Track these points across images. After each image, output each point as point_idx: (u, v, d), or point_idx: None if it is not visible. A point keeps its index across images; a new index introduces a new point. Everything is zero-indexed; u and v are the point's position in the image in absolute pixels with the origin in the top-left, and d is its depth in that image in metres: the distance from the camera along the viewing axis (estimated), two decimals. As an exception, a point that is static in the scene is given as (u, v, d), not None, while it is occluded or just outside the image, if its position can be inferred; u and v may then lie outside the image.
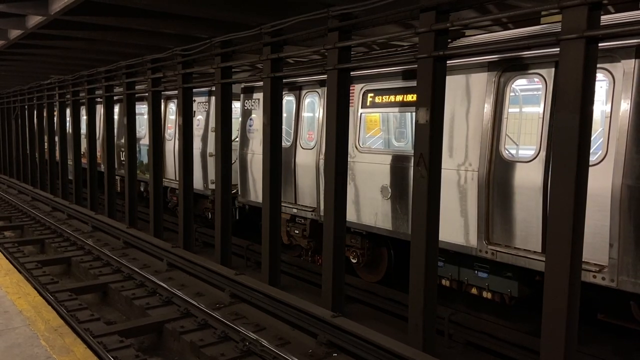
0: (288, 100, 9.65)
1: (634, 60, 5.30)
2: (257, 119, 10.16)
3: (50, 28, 8.96)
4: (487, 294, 6.95)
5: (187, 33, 9.30)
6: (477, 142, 6.58)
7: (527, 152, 6.48)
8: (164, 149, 12.99)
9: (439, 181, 6.09)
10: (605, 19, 5.37)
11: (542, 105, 6.06)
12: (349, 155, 7.51)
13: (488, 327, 6.93)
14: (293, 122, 9.63)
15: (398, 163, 7.62)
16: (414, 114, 6.16)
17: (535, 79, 6.33)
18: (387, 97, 7.90)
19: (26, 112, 21.59)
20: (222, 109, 9.54)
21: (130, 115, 13.05)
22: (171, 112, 13.58)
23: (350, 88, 7.54)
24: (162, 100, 12.77)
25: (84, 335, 6.32)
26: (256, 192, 10.21)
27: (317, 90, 9.16)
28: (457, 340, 7.02)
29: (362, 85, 8.19)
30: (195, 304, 7.51)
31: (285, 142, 9.34)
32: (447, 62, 6.05)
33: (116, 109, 15.27)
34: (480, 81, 6.57)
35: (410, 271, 6.18)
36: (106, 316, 8.07)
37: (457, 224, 6.78)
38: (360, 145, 8.24)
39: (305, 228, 9.39)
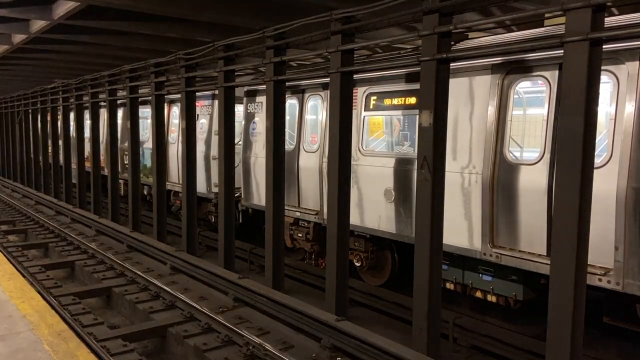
0: (291, 103, 9.64)
1: (638, 62, 5.27)
2: (260, 122, 10.16)
3: (54, 33, 9.00)
4: (491, 297, 6.91)
5: (190, 37, 9.33)
6: (481, 144, 6.56)
7: (531, 154, 6.45)
8: (167, 153, 13.00)
9: (443, 184, 6.06)
10: (609, 21, 5.34)
11: (546, 107, 6.04)
12: (352, 158, 7.50)
13: (493, 330, 6.90)
14: (296, 125, 9.63)
15: (401, 166, 7.60)
16: (417, 116, 6.15)
17: (539, 82, 6.30)
18: (391, 99, 7.89)
19: (30, 116, 21.66)
20: (225, 113, 9.54)
21: (133, 119, 13.07)
22: (174, 115, 13.60)
23: (354, 91, 7.53)
24: (166, 104, 12.79)
25: (87, 339, 6.32)
26: (259, 195, 10.20)
27: (320, 93, 9.15)
28: (462, 344, 6.99)
29: (365, 88, 8.17)
30: (199, 307, 7.50)
31: (289, 146, 9.33)
32: (451, 64, 6.04)
33: (120, 113, 15.30)
34: (484, 84, 6.55)
35: (414, 274, 6.16)
36: (110, 320, 8.07)
37: (461, 227, 6.75)
38: (364, 148, 8.23)
39: (308, 231, 9.37)
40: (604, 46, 4.72)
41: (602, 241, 5.42)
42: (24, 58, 12.29)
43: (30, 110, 21.57)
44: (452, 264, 7.23)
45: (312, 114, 9.60)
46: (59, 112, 18.29)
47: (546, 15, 5.60)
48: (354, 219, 7.88)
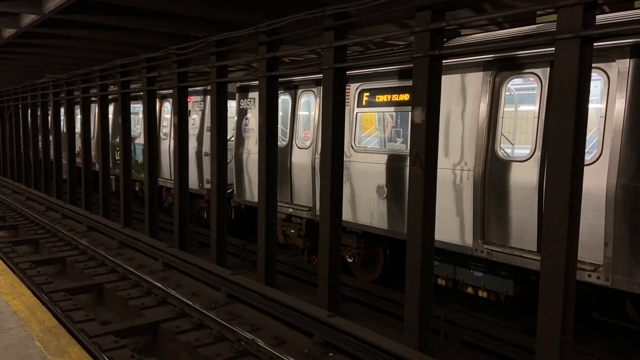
0: (284, 99, 9.63)
1: (628, 59, 5.31)
2: (253, 118, 10.14)
3: (45, 27, 8.91)
4: (482, 293, 6.96)
5: (182, 32, 9.27)
6: (473, 141, 6.59)
7: (522, 151, 6.49)
8: (159, 149, 12.94)
9: (435, 181, 6.09)
10: (601, 18, 5.38)
11: (537, 104, 6.07)
12: (344, 155, 7.51)
13: (484, 326, 6.94)
14: (289, 121, 9.62)
15: (394, 162, 7.63)
16: (409, 113, 6.16)
17: (531, 79, 6.34)
18: (383, 96, 7.90)
19: (20, 111, 21.47)
20: (217, 108, 9.51)
21: (125, 115, 13.00)
22: (166, 111, 13.54)
23: (346, 87, 7.54)
24: (157, 100, 12.72)
25: (78, 335, 6.30)
26: (252, 191, 10.19)
27: (312, 89, 9.15)
28: (453, 340, 7.03)
29: (358, 84, 8.18)
30: (191, 304, 7.49)
31: (281, 142, 9.33)
32: (443, 61, 6.05)
33: (111, 108, 15.20)
34: (476, 81, 6.58)
35: (406, 270, 6.18)
36: (101, 316, 8.05)
37: (452, 224, 6.79)
38: (356, 144, 8.24)
39: (301, 227, 9.38)
40: (595, 44, 4.75)
41: (591, 237, 5.47)
42: (13, 52, 12.17)
43: (20, 105, 21.39)
44: (443, 260, 7.27)
45: (304, 110, 9.59)
46: (49, 107, 18.14)
47: (538, 12, 5.64)
48: (346, 216, 7.90)
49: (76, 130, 16.48)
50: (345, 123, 7.38)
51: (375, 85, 7.96)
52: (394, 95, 7.74)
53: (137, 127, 14.76)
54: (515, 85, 6.76)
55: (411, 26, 5.99)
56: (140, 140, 13.82)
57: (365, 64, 7.70)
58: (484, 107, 6.49)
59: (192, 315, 7.26)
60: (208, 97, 11.72)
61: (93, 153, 15.78)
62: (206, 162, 11.84)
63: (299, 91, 9.45)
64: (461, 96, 6.75)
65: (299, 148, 9.33)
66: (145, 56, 11.28)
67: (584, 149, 4.81)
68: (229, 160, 10.07)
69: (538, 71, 6.04)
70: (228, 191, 10.14)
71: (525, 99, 7.06)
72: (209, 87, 10.70)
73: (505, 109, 6.48)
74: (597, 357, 6.20)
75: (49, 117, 18.30)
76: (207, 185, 11.61)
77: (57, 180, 17.82)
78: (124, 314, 8.17)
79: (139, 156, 14.09)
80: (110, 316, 8.24)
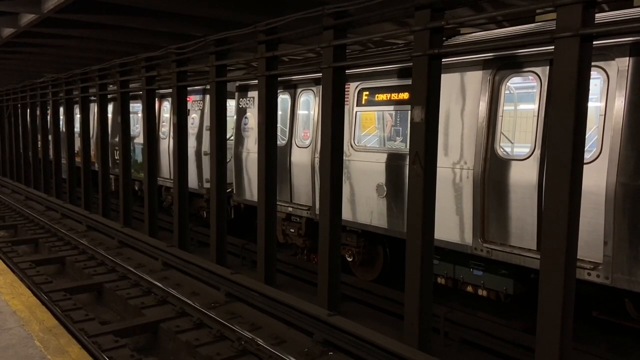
0: (283, 98, 9.63)
1: (628, 58, 5.31)
2: (252, 117, 10.13)
3: (43, 26, 8.90)
4: (482, 292, 6.96)
5: (181, 31, 9.26)
6: (473, 140, 6.59)
7: (522, 150, 6.49)
8: (159, 148, 12.94)
9: (435, 179, 6.09)
10: (600, 17, 5.38)
11: (537, 103, 6.07)
12: (344, 154, 7.51)
13: (484, 324, 6.95)
14: (288, 120, 9.62)
15: (393, 161, 7.62)
16: (409, 112, 6.16)
17: (530, 77, 6.34)
18: (383, 95, 7.90)
19: (19, 110, 21.45)
20: (217, 108, 9.51)
21: (124, 114, 12.99)
22: (165, 110, 13.53)
23: (346, 86, 7.54)
24: (157, 99, 12.71)
25: (78, 335, 6.30)
26: (251, 190, 10.18)
27: (312, 88, 9.14)
28: (453, 338, 7.04)
29: (358, 83, 8.18)
30: (191, 303, 7.49)
31: (281, 141, 9.32)
32: (442, 60, 6.05)
33: (110, 108, 15.18)
34: (476, 79, 6.58)
35: (405, 269, 6.19)
36: (101, 316, 8.04)
37: (452, 222, 6.79)
38: (356, 143, 8.24)
39: (300, 227, 9.37)
40: (594, 42, 4.75)
41: (591, 236, 5.47)
42: (13, 52, 12.16)
43: (19, 105, 21.37)
44: (443, 258, 7.27)
45: (304, 109, 9.59)
46: (48, 107, 18.13)
47: (537, 11, 5.63)
48: (346, 215, 7.89)
49: (75, 129, 16.47)
50: (344, 122, 7.38)
51: (375, 84, 7.95)
52: (393, 94, 7.74)
53: (137, 126, 14.75)
54: (514, 83, 6.76)
55: (410, 25, 5.98)
56: (139, 139, 13.80)
57: (364, 63, 7.69)
58: (483, 106, 6.49)
59: (192, 314, 7.27)
60: (207, 96, 11.72)
61: (92, 152, 15.76)
62: (205, 161, 11.84)
63: (299, 90, 9.45)
64: (460, 95, 6.75)
65: (298, 147, 9.32)
66: (144, 55, 11.27)
67: (584, 147, 4.82)
68: (228, 160, 10.07)
69: (537, 70, 6.04)
70: (227, 190, 10.13)
71: (524, 97, 7.06)
72: (208, 87, 10.69)
73: (505, 107, 6.48)
74: (597, 356, 6.20)
75: (48, 117, 18.28)
76: (207, 185, 11.60)
77: (56, 180, 17.80)
78: (124, 313, 8.17)
79: (138, 155, 14.08)
80: (110, 316, 8.24)
